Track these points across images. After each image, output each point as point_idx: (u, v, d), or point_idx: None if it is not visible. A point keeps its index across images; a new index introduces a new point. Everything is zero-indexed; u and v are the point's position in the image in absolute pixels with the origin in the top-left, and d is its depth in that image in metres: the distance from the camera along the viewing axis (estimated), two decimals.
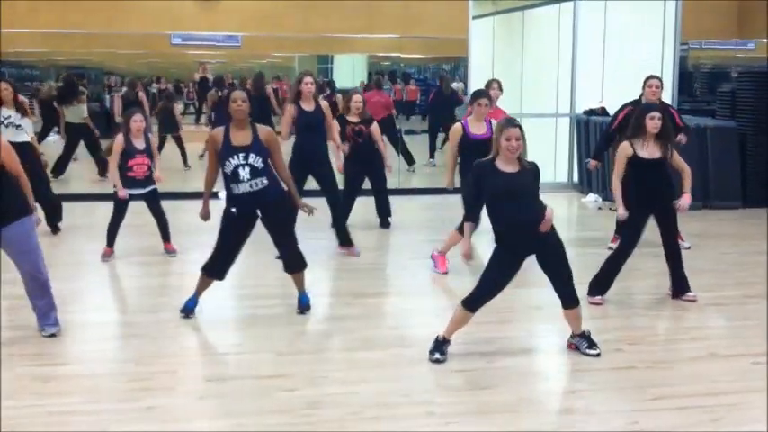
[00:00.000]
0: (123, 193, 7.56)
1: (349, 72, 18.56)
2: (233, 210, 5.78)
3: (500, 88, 8.37)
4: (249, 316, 6.17)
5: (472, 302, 5.10)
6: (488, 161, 5.03)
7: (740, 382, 4.88)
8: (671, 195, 6.33)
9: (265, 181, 5.76)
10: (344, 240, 8.02)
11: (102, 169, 11.93)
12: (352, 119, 8.64)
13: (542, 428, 4.29)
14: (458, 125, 7.19)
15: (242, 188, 5.71)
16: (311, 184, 7.96)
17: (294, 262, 6.08)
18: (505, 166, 4.99)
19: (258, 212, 5.85)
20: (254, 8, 14.80)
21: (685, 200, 6.28)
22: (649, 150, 6.19)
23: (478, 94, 7.22)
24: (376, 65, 18.76)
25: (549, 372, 5.23)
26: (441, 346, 5.17)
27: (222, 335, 5.78)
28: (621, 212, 6.30)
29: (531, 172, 5.04)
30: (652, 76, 8.11)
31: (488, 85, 8.32)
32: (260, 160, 5.71)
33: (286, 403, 4.51)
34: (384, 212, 9.34)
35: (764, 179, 10.74)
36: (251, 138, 5.73)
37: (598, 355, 5.22)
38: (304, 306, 6.12)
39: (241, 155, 5.67)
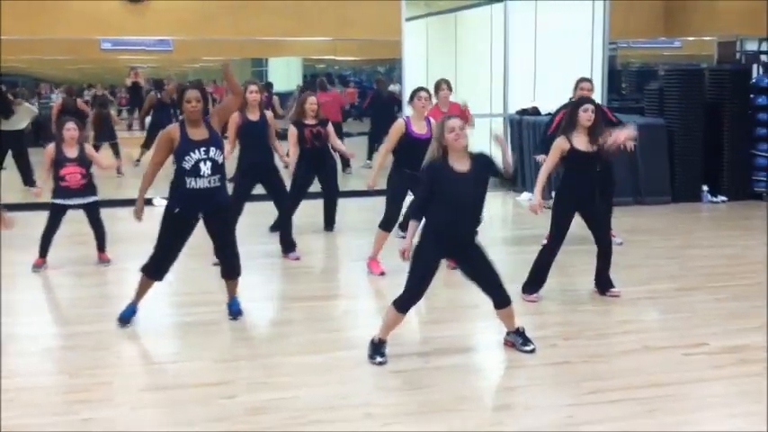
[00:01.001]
0: (38, 189, 7.54)
1: (284, 75, 18.49)
2: (177, 210, 5.72)
3: (449, 87, 8.44)
4: (186, 323, 6.10)
5: (403, 303, 5.12)
6: (440, 162, 5.04)
7: (673, 374, 5.00)
8: (608, 193, 6.45)
9: (221, 180, 5.77)
10: (288, 247, 7.98)
11: (26, 179, 11.74)
12: (309, 122, 8.60)
13: (480, 426, 4.34)
14: (400, 121, 7.20)
15: (200, 183, 5.66)
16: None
17: (233, 268, 6.05)
18: (457, 162, 5.02)
19: (201, 214, 5.79)
20: (185, 11, 14.63)
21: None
22: (584, 144, 6.28)
23: (417, 89, 7.23)
24: (311, 67, 18.74)
25: (485, 369, 5.30)
26: (379, 348, 5.19)
27: (159, 344, 5.71)
28: (535, 204, 6.34)
29: (483, 168, 5.09)
30: (584, 79, 8.23)
31: (438, 85, 8.38)
32: (220, 154, 5.73)
33: (226, 410, 4.48)
34: (331, 216, 9.31)
35: (692, 174, 11.04)
36: (208, 132, 5.73)
37: (533, 351, 5.30)
38: (235, 312, 6.08)
39: (202, 149, 5.65)
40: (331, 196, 9.26)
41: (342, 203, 9.85)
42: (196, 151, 5.63)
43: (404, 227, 8.52)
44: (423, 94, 7.13)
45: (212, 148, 5.67)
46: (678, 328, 5.91)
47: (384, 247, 7.34)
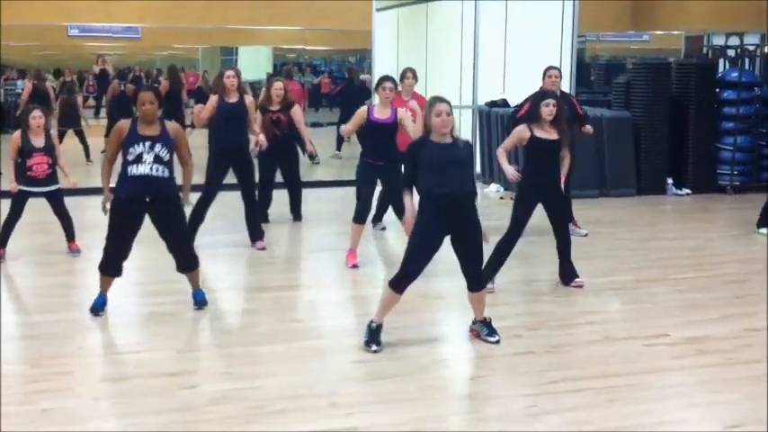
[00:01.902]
0: (14, 185, 7.32)
1: (254, 64, 18.38)
2: (122, 195, 5.66)
3: (415, 77, 8.43)
4: (149, 313, 6.07)
5: (398, 282, 5.14)
6: (425, 137, 5.12)
7: (634, 364, 5.06)
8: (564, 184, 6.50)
9: (167, 172, 5.70)
10: (256, 235, 7.96)
11: None
12: (273, 107, 8.58)
13: (443, 415, 4.37)
14: (363, 107, 7.21)
15: (140, 169, 5.61)
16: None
17: (186, 262, 6.00)
18: (439, 140, 5.08)
19: (148, 200, 5.68)
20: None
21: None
22: (546, 133, 6.31)
23: (383, 78, 7.20)
24: (281, 57, 18.64)
25: (450, 359, 5.32)
26: (375, 334, 5.19)
27: (121, 333, 5.67)
28: (511, 173, 6.38)
29: (466, 146, 5.21)
30: (551, 67, 8.33)
31: (403, 74, 8.38)
32: (166, 151, 5.68)
33: (187, 401, 4.46)
34: (297, 206, 9.30)
35: (657, 167, 11.14)
36: (159, 130, 5.69)
37: (498, 341, 5.34)
38: (200, 302, 6.05)
39: (147, 143, 5.62)
40: (293, 186, 9.24)
41: (310, 193, 9.86)
42: (141, 144, 5.62)
43: (377, 221, 8.55)
44: (387, 84, 7.08)
45: (158, 144, 5.65)
46: (639, 318, 5.98)
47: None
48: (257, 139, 8.15)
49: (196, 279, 6.08)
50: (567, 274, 6.64)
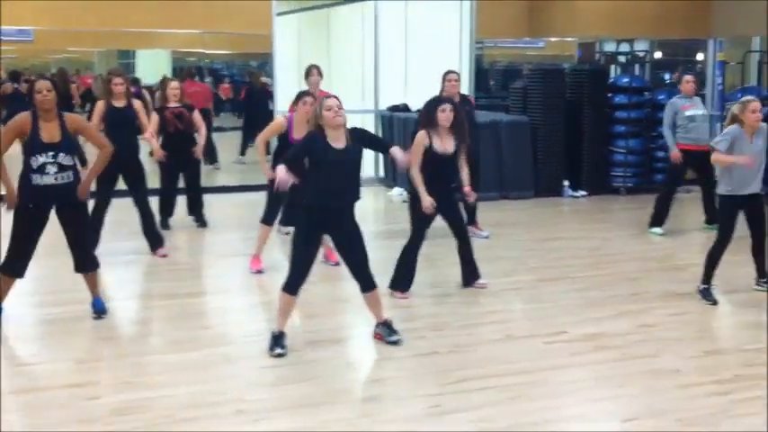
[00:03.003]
0: None
1: (152, 67, 18.03)
2: (30, 205, 5.58)
3: (320, 74, 8.42)
4: (47, 323, 5.91)
5: (291, 285, 5.17)
6: (321, 134, 5.09)
7: (535, 362, 5.20)
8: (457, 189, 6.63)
9: (71, 176, 5.63)
10: (156, 243, 7.82)
11: None
12: (171, 104, 8.49)
13: (349, 418, 4.40)
14: (282, 120, 6.98)
15: (45, 180, 5.53)
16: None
17: (87, 261, 5.88)
18: (335, 141, 5.09)
19: (54, 207, 5.65)
20: (48, 0, 14.06)
21: (467, 190, 6.60)
22: (444, 144, 6.35)
23: (303, 93, 7.00)
24: (180, 60, 18.35)
25: (356, 362, 5.37)
26: (279, 339, 5.21)
27: (19, 345, 5.50)
28: (427, 203, 6.31)
29: (356, 148, 5.21)
30: (450, 71, 8.49)
31: (309, 71, 8.35)
32: (69, 158, 5.62)
33: (90, 412, 4.37)
34: (198, 210, 9.18)
35: (553, 170, 11.47)
36: (60, 133, 5.56)
37: (398, 342, 5.40)
38: (99, 310, 5.92)
39: (50, 153, 5.52)
40: (194, 191, 9.14)
41: (213, 199, 9.74)
42: (44, 155, 5.51)
43: (284, 223, 8.39)
44: (308, 99, 6.78)
45: (61, 154, 5.56)
46: (540, 317, 6.15)
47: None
48: (152, 143, 8.03)
49: (95, 285, 5.95)
50: (470, 275, 6.77)
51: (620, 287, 6.91)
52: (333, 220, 5.21)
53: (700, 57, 15.05)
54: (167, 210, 8.87)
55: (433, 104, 6.46)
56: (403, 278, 6.53)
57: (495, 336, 5.70)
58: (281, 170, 5.08)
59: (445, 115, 6.31)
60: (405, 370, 5.09)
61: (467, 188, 6.58)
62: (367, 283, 5.35)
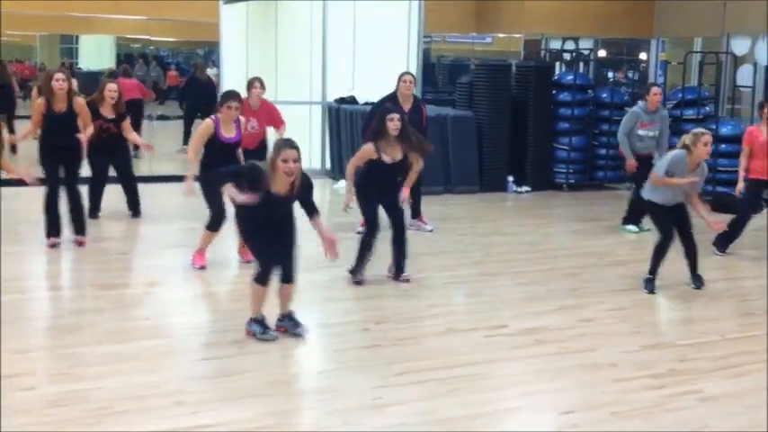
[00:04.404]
0: None
1: (95, 53, 17.71)
2: None
3: (262, 86, 8.29)
4: None
5: (261, 276, 5.21)
6: (265, 177, 5.08)
7: (476, 355, 5.25)
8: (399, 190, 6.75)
9: None
10: (79, 229, 7.67)
11: None
12: (106, 112, 8.36)
13: (288, 410, 4.41)
14: (210, 122, 6.85)
15: None
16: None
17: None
18: (279, 186, 5.10)
19: None
20: None
21: (405, 192, 6.80)
22: (392, 152, 6.50)
23: (229, 96, 6.88)
24: (125, 47, 18.05)
25: (298, 354, 5.35)
26: (262, 323, 5.28)
27: None
28: (347, 200, 6.67)
29: (303, 190, 5.23)
30: (406, 72, 8.62)
31: (251, 83, 8.24)
32: None
33: (25, 403, 4.28)
34: (134, 201, 9.06)
35: (498, 165, 11.57)
36: None
37: (302, 334, 5.40)
38: None
39: None
40: (127, 182, 9.02)
41: (156, 188, 9.61)
42: None
43: None
44: (234, 104, 6.75)
45: None
46: (481, 311, 6.21)
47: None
48: (82, 136, 7.90)
49: None
50: (398, 268, 6.78)
51: (560, 282, 7.01)
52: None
53: (643, 56, 15.31)
54: (97, 199, 8.75)
55: (383, 113, 6.56)
56: (360, 262, 6.65)
57: (437, 329, 5.73)
58: (232, 190, 5.19)
59: (394, 124, 6.43)
60: (347, 362, 5.09)
61: (405, 190, 6.77)
62: (290, 275, 5.35)
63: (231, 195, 5.25)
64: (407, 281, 6.76)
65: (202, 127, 6.96)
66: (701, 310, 6.36)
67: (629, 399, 4.62)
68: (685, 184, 6.54)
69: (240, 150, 7.01)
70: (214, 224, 6.94)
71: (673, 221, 6.66)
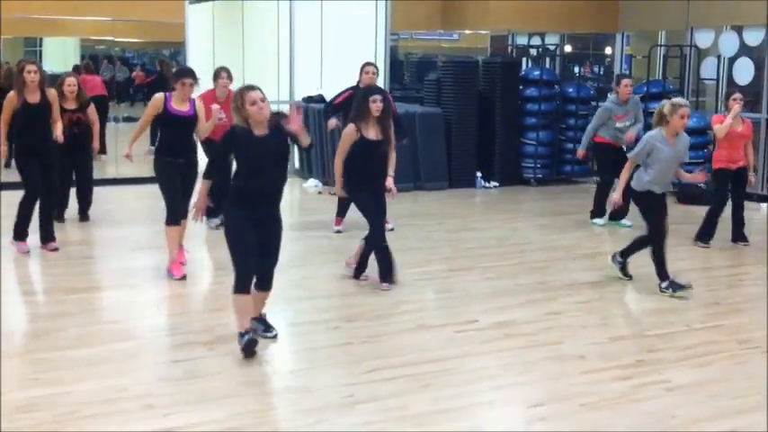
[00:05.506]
0: None
1: (60, 56, 17.53)
2: None
3: (229, 76, 8.24)
4: None
5: (239, 284, 5.04)
6: (242, 128, 5.02)
7: (446, 350, 5.28)
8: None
9: None
10: (48, 236, 7.59)
11: None
12: (69, 105, 8.25)
13: (260, 410, 4.40)
14: (160, 95, 6.64)
15: None
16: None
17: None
18: (258, 129, 5.01)
19: None
20: None
21: (389, 181, 6.68)
22: (373, 132, 6.47)
23: (182, 72, 6.72)
24: (90, 48, 17.88)
25: (269, 354, 5.31)
26: (246, 335, 5.07)
27: None
28: (338, 190, 6.64)
29: (281, 134, 5.10)
30: (368, 63, 8.59)
31: (217, 73, 8.20)
32: None
33: None
34: (84, 204, 8.94)
35: (467, 161, 11.61)
36: None
37: (275, 336, 5.38)
38: None
39: None
40: (85, 184, 8.91)
41: (122, 190, 9.54)
42: None
43: (210, 214, 8.08)
44: (188, 80, 6.57)
45: None
46: (451, 306, 6.25)
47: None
48: (57, 134, 7.78)
49: None
50: (361, 267, 6.76)
51: (528, 276, 7.06)
52: (257, 208, 5.07)
53: (608, 50, 15.43)
54: (61, 202, 8.65)
55: (365, 94, 6.56)
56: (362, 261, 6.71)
57: (407, 325, 5.75)
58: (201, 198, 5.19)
59: (377, 105, 6.42)
60: (318, 361, 5.09)
61: (389, 179, 6.66)
62: (265, 284, 5.25)
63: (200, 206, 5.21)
64: (366, 279, 6.73)
65: (153, 101, 6.69)
66: (668, 300, 6.43)
67: (597, 390, 4.67)
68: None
69: (199, 127, 6.76)
70: (171, 217, 6.71)
71: (666, 216, 6.60)
